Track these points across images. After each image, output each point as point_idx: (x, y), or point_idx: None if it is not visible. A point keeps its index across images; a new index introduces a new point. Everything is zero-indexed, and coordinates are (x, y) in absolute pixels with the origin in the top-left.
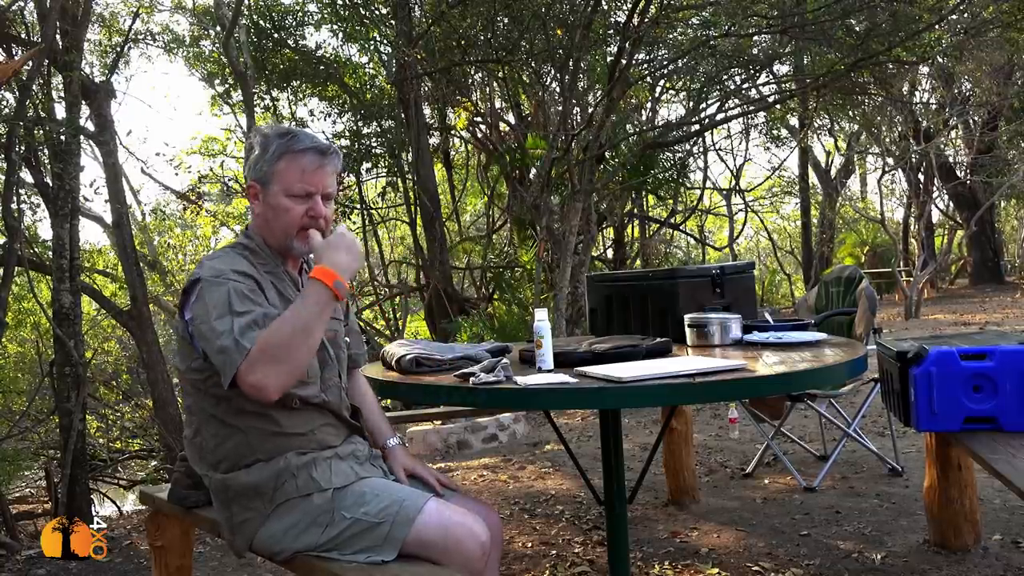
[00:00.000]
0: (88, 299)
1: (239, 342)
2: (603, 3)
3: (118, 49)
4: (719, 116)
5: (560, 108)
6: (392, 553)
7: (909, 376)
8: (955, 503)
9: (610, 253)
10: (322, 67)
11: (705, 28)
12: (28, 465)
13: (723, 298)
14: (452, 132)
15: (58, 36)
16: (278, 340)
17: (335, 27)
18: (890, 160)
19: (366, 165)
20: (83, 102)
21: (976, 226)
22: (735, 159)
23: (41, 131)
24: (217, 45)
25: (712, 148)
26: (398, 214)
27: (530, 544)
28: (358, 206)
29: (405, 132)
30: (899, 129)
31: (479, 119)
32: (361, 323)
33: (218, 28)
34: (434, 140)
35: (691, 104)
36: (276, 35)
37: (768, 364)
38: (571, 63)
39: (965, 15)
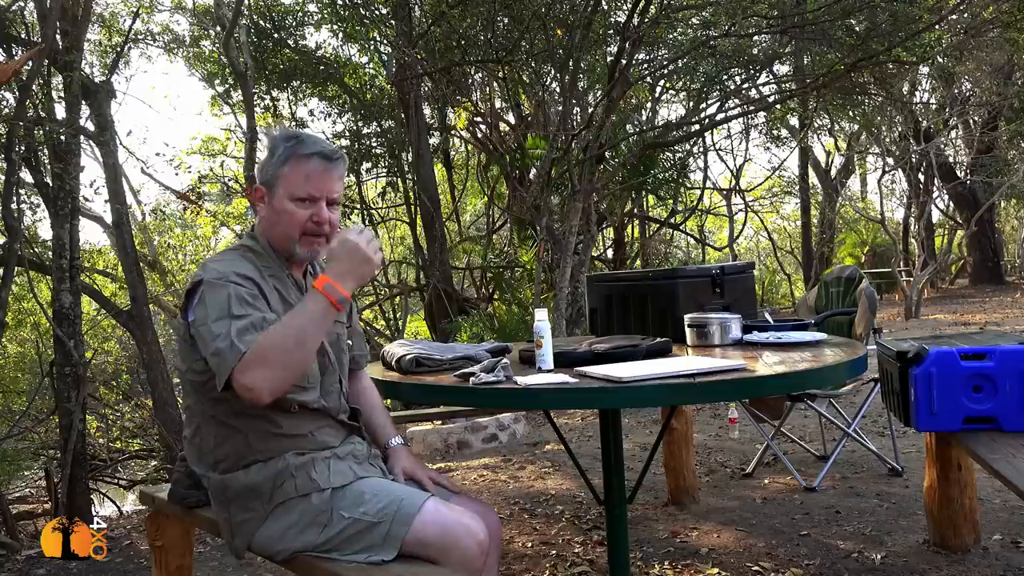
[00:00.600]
0: (88, 299)
1: (234, 344)
2: (603, 3)
3: (118, 49)
4: (719, 116)
5: (560, 108)
6: (391, 553)
7: (909, 376)
8: (955, 503)
9: (610, 253)
10: (322, 67)
11: (705, 28)
12: (28, 465)
13: (723, 298)
14: (452, 132)
15: (58, 36)
16: (273, 345)
17: (335, 27)
18: (890, 160)
19: (366, 165)
20: (83, 102)
21: (976, 226)
22: (735, 159)
23: (41, 131)
24: (217, 45)
25: (712, 148)
26: (398, 214)
27: (530, 544)
28: (358, 206)
29: (405, 132)
30: (899, 129)
31: (479, 119)
32: (361, 323)
33: (218, 28)
34: (434, 140)
35: (691, 104)
36: (276, 35)
37: (768, 364)
38: (571, 63)
39: (965, 15)
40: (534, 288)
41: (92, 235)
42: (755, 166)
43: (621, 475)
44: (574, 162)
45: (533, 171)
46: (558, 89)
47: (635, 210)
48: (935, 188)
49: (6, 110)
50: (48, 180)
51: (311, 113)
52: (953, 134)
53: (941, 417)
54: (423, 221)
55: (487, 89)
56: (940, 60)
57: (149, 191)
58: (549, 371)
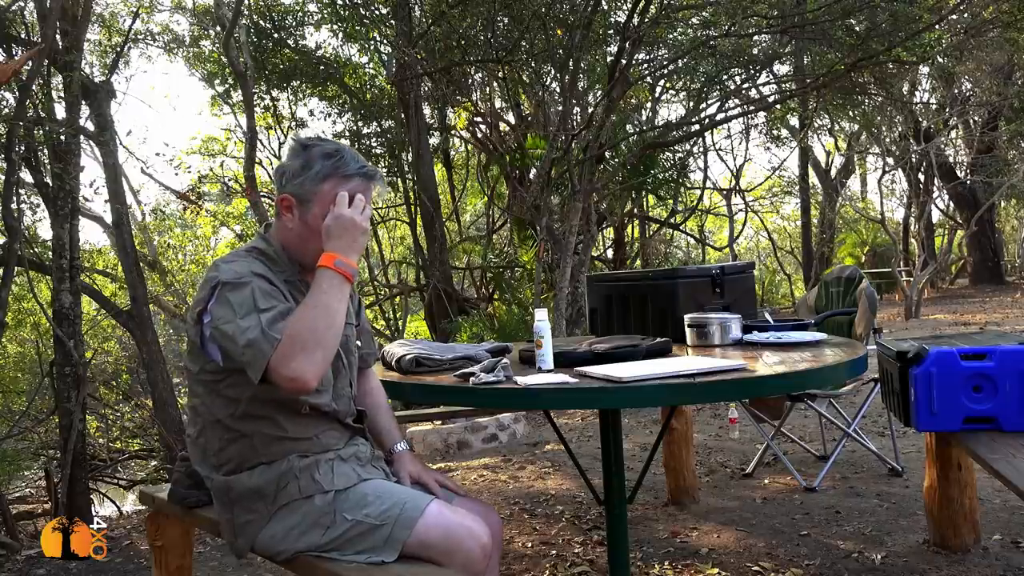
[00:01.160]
0: (88, 299)
1: (267, 333)
2: (603, 3)
3: (118, 49)
4: (719, 116)
5: (560, 108)
6: (393, 555)
7: (909, 376)
8: (955, 503)
9: (610, 253)
10: (322, 67)
11: (705, 28)
12: (28, 465)
13: (723, 298)
14: (452, 132)
15: (58, 36)
16: (306, 328)
17: (335, 27)
18: (890, 160)
19: None
20: (83, 102)
21: (976, 226)
22: (735, 159)
23: (41, 131)
24: (217, 45)
25: (712, 148)
26: (398, 214)
27: (530, 544)
28: None
29: (405, 132)
30: (899, 129)
31: (479, 119)
32: None
33: (218, 28)
34: (434, 140)
35: (691, 104)
36: (276, 35)
37: (768, 364)
38: (571, 63)
39: (965, 15)
40: (534, 288)
41: (92, 235)
42: (755, 166)
43: (621, 475)
44: (574, 162)
45: (533, 171)
46: (558, 89)
47: (635, 210)
48: (935, 188)
49: (6, 110)
50: (48, 180)
51: (311, 113)
52: (953, 134)
53: (941, 417)
54: (423, 221)
55: (487, 89)
56: (940, 60)
57: (149, 191)
58: (549, 371)
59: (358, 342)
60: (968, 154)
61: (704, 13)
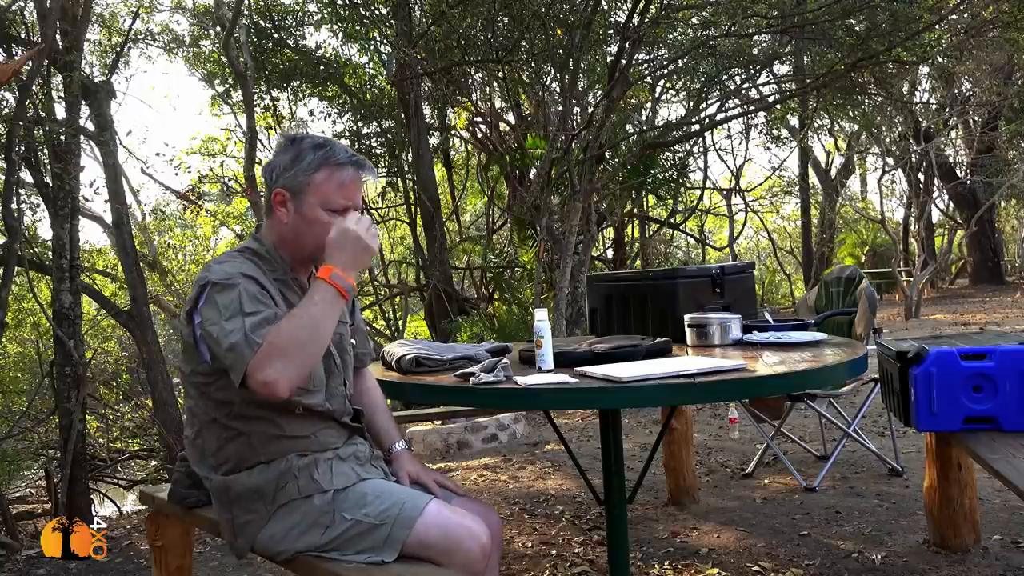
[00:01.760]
0: (88, 299)
1: (249, 337)
2: (603, 3)
3: (118, 49)
4: (719, 116)
5: (560, 108)
6: (392, 554)
7: (909, 376)
8: (955, 503)
9: (610, 253)
10: (322, 67)
11: (705, 28)
12: (28, 465)
13: (723, 298)
14: (452, 132)
15: (58, 36)
16: (289, 337)
17: (335, 27)
18: (890, 160)
19: None
20: (83, 102)
21: (976, 226)
22: (735, 159)
23: (41, 131)
24: (217, 45)
25: (712, 148)
26: (398, 214)
27: (530, 544)
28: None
29: (405, 132)
30: (899, 129)
31: (479, 119)
32: None
33: (218, 28)
34: (434, 140)
35: (691, 104)
36: (276, 35)
37: (768, 364)
38: (571, 63)
39: (965, 15)
40: (534, 288)
41: (92, 235)
42: (755, 166)
43: (621, 475)
44: (574, 162)
45: (533, 171)
46: (558, 89)
47: (635, 210)
48: (935, 188)
49: (6, 110)
50: (48, 180)
51: (311, 113)
52: (953, 134)
53: (941, 417)
54: (423, 221)
55: (487, 89)
56: (940, 60)
57: (149, 191)
58: (549, 371)
59: (353, 340)
60: (968, 154)
61: (704, 13)
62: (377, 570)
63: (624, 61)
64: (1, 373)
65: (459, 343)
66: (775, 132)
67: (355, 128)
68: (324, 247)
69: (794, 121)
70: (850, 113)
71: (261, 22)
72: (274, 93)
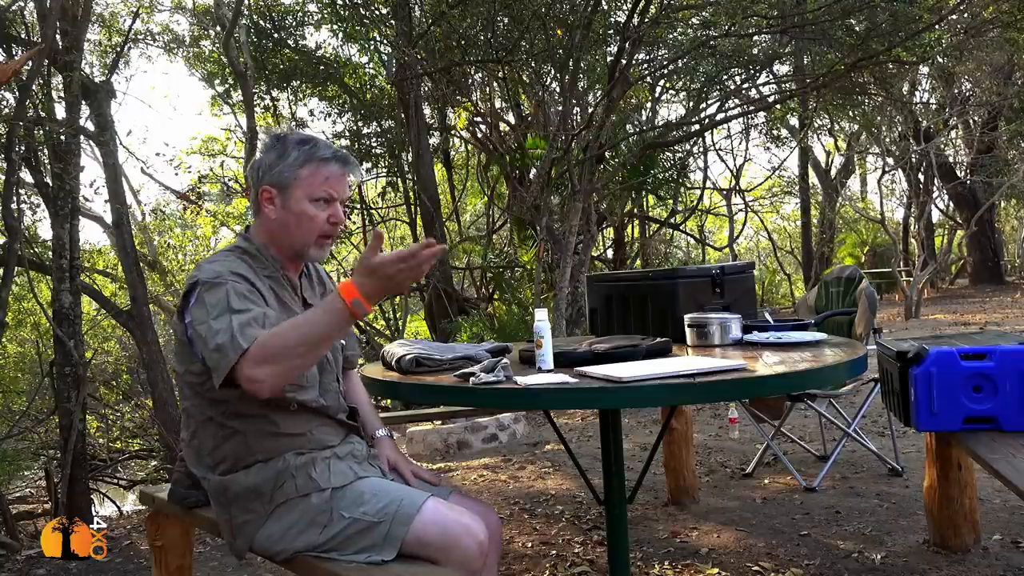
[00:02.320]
0: (88, 299)
1: (235, 338)
2: (603, 3)
3: (118, 49)
4: (719, 116)
5: (560, 108)
6: (391, 553)
7: (909, 376)
8: (955, 503)
9: (610, 253)
10: (322, 67)
11: (705, 28)
12: (28, 465)
13: (723, 298)
14: (452, 132)
15: (58, 36)
16: (283, 343)
17: (335, 27)
18: (890, 160)
19: (366, 165)
20: (83, 102)
21: (976, 226)
22: (735, 159)
23: (41, 131)
24: (217, 45)
25: (712, 148)
26: (398, 214)
27: (530, 544)
28: (358, 206)
29: (405, 132)
30: (899, 129)
31: (479, 119)
32: (361, 323)
33: (218, 28)
34: (434, 140)
35: (691, 104)
36: (276, 35)
37: (768, 364)
38: (571, 63)
39: (965, 15)
40: (534, 288)
41: (92, 235)
42: (755, 166)
43: (621, 475)
44: (574, 162)
45: (533, 171)
46: (558, 89)
47: (635, 210)
48: (935, 188)
49: (6, 110)
50: (48, 180)
51: (311, 113)
52: (953, 134)
53: (941, 417)
54: (423, 221)
55: (487, 89)
56: (940, 60)
57: (149, 191)
58: (549, 371)
59: (342, 341)
60: (968, 154)
61: (704, 13)
62: (376, 570)
63: (624, 61)
64: (1, 373)
65: (459, 343)
66: (775, 132)
67: (355, 128)
68: (313, 242)
69: (794, 121)
70: (850, 113)
71: (261, 22)
72: (274, 93)
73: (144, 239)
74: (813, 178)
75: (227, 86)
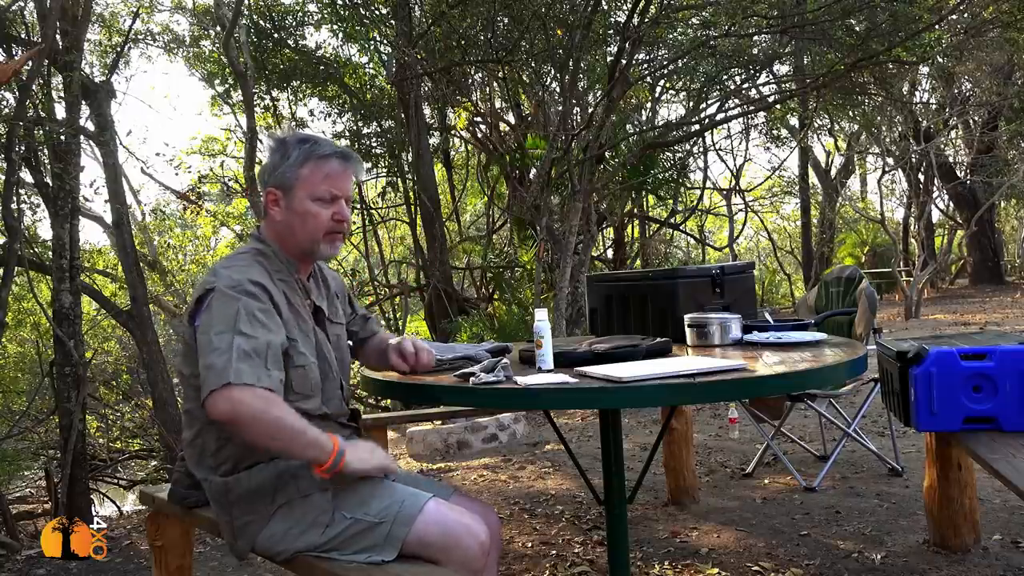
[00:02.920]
0: (88, 299)
1: (227, 369)
2: (603, 3)
3: (118, 49)
4: (719, 116)
5: (560, 108)
6: (392, 553)
7: (909, 376)
8: (955, 503)
9: (610, 253)
10: (322, 67)
11: (705, 28)
12: (28, 465)
13: (723, 298)
14: (452, 132)
15: (58, 36)
16: (263, 422)
17: (335, 27)
18: (890, 160)
19: (366, 165)
20: (83, 102)
21: (976, 226)
22: (735, 159)
23: (41, 131)
24: (217, 45)
25: (712, 148)
26: (398, 214)
27: (530, 544)
28: (358, 206)
29: (405, 132)
30: (899, 129)
31: (479, 119)
32: None
33: (218, 28)
34: (434, 140)
35: (691, 104)
36: (276, 35)
37: (768, 364)
38: (571, 63)
39: (965, 15)
40: (534, 288)
41: (92, 235)
42: (755, 166)
43: (621, 475)
44: (574, 162)
45: (533, 171)
46: (558, 89)
47: (635, 210)
48: (935, 188)
49: (6, 110)
50: (48, 180)
51: (311, 113)
52: (953, 134)
53: (941, 417)
54: (423, 221)
55: (487, 89)
56: (940, 60)
57: (149, 191)
58: (549, 371)
59: (355, 328)
60: (968, 154)
61: (704, 13)
62: (377, 570)
63: (624, 61)
64: (1, 373)
65: (459, 343)
66: (775, 132)
67: (355, 128)
68: (320, 239)
69: (794, 121)
70: (850, 113)
71: (261, 22)
72: (274, 93)
73: (144, 239)
74: (813, 178)
75: (227, 86)
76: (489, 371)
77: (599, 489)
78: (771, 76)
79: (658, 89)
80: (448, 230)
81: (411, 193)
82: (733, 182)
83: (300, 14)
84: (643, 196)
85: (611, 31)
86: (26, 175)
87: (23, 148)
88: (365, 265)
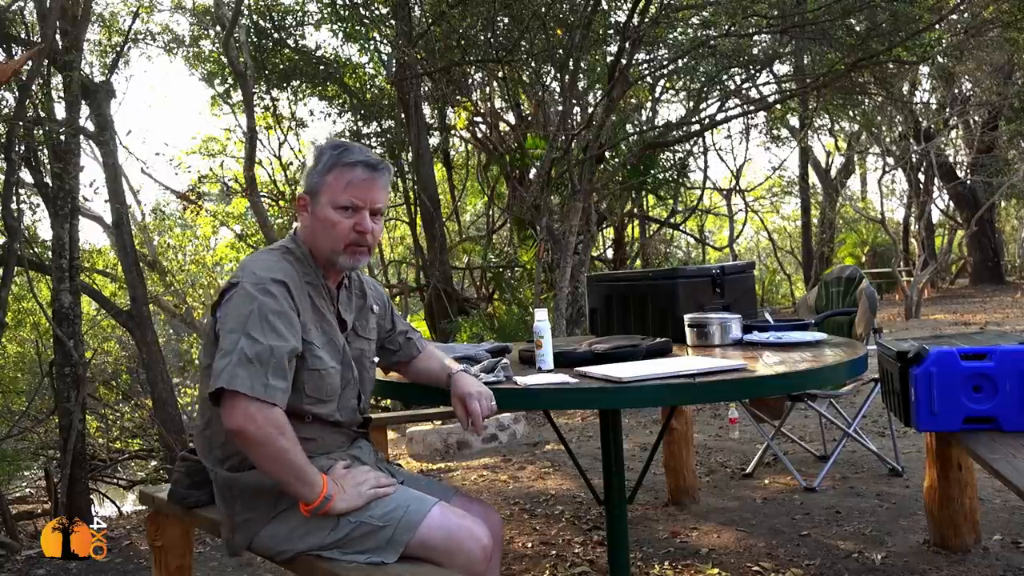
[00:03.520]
0: (88, 299)
1: (224, 372)
2: (603, 3)
3: (118, 49)
4: (719, 116)
5: (560, 108)
6: (394, 556)
7: (909, 376)
8: (955, 503)
9: (610, 253)
10: (322, 67)
11: (705, 28)
12: (28, 465)
13: (723, 298)
14: (452, 132)
15: (58, 36)
16: (274, 449)
17: (335, 27)
18: (890, 160)
19: None
20: (83, 102)
21: (976, 226)
22: (735, 159)
23: (41, 131)
24: (217, 45)
25: (712, 148)
26: (398, 214)
27: (530, 544)
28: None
29: (405, 132)
30: (899, 129)
31: (479, 119)
32: None
33: (218, 28)
34: (434, 140)
35: (691, 104)
36: (276, 35)
37: (768, 364)
38: (571, 63)
39: (965, 15)
40: (534, 288)
41: (92, 235)
42: (755, 166)
43: (621, 475)
44: (574, 162)
45: (533, 171)
46: (558, 89)
47: (635, 210)
48: (935, 188)
49: (6, 110)
50: (48, 180)
51: (311, 113)
52: (953, 134)
53: (941, 417)
54: (423, 221)
55: (487, 89)
56: (940, 60)
57: (149, 191)
58: (549, 371)
59: (375, 359)
60: (968, 154)
61: (704, 13)
62: (377, 570)
63: (624, 61)
64: (1, 373)
65: (459, 343)
66: (775, 132)
67: (355, 128)
68: (341, 250)
69: (794, 121)
70: (850, 113)
71: (261, 22)
72: (274, 93)
73: (144, 239)
74: (813, 178)
75: (227, 86)
76: (489, 371)
77: (599, 489)
78: (771, 76)
79: (658, 89)
80: (448, 230)
81: (411, 193)
82: (733, 182)
83: (300, 14)
84: (643, 196)
85: (611, 31)
86: (26, 175)
87: (23, 148)
88: (365, 265)
